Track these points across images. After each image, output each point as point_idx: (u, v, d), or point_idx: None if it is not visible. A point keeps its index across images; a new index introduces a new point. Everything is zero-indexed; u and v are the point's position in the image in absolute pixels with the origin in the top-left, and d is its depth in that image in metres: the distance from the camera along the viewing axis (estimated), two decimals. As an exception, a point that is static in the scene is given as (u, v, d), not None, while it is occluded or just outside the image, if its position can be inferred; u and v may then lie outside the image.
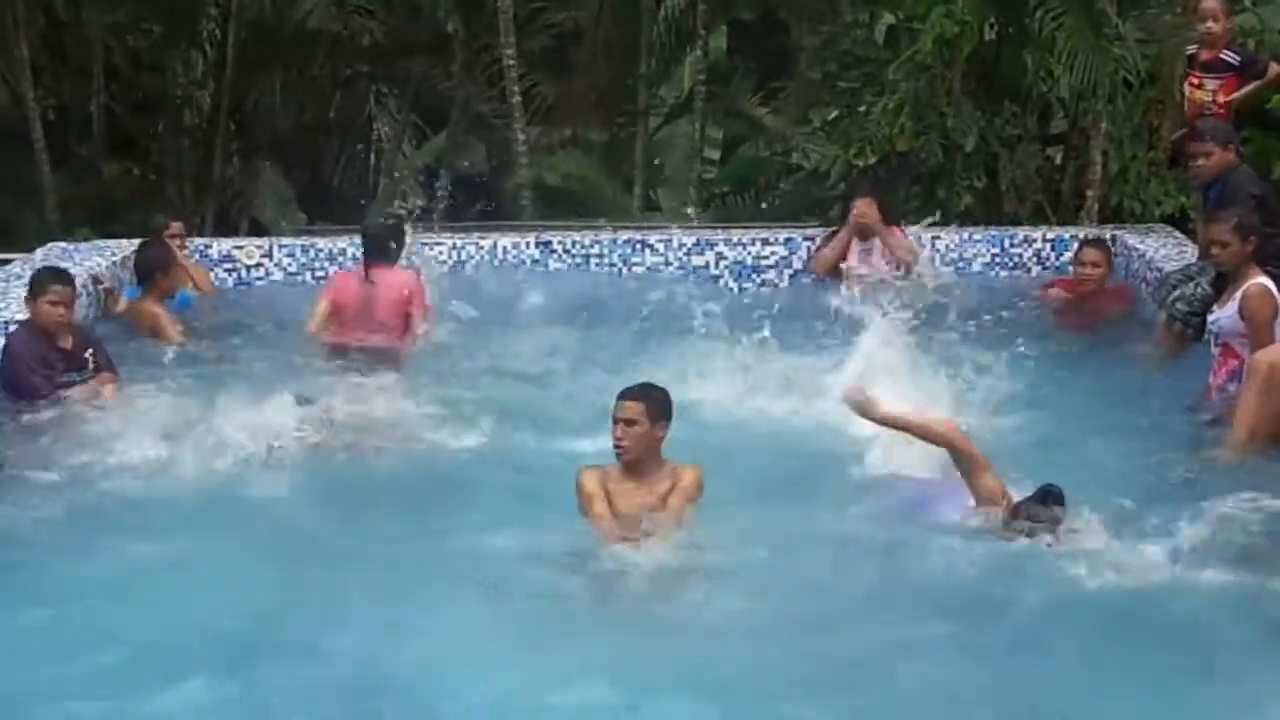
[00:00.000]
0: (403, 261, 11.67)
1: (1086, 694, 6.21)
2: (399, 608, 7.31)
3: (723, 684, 6.45)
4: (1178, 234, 13.41)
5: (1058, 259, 13.42)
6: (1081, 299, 12.31)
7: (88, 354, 10.26)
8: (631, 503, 7.88)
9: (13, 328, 10.47)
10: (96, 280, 12.19)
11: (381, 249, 11.57)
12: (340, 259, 13.50)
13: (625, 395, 7.87)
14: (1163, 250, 12.83)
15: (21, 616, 7.04)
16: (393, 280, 11.50)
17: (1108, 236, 13.11)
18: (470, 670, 6.72)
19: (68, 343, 10.19)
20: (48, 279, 10.43)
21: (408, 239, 11.87)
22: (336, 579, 7.71)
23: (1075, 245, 12.89)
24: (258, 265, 13.49)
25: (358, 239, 13.39)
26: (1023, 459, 8.56)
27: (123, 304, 12.14)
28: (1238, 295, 9.39)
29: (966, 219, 14.80)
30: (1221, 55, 12.27)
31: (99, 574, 7.61)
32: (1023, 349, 10.28)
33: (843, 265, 13.19)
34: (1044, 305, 12.59)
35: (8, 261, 12.62)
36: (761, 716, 6.26)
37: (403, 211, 13.51)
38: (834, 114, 16.05)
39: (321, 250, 13.65)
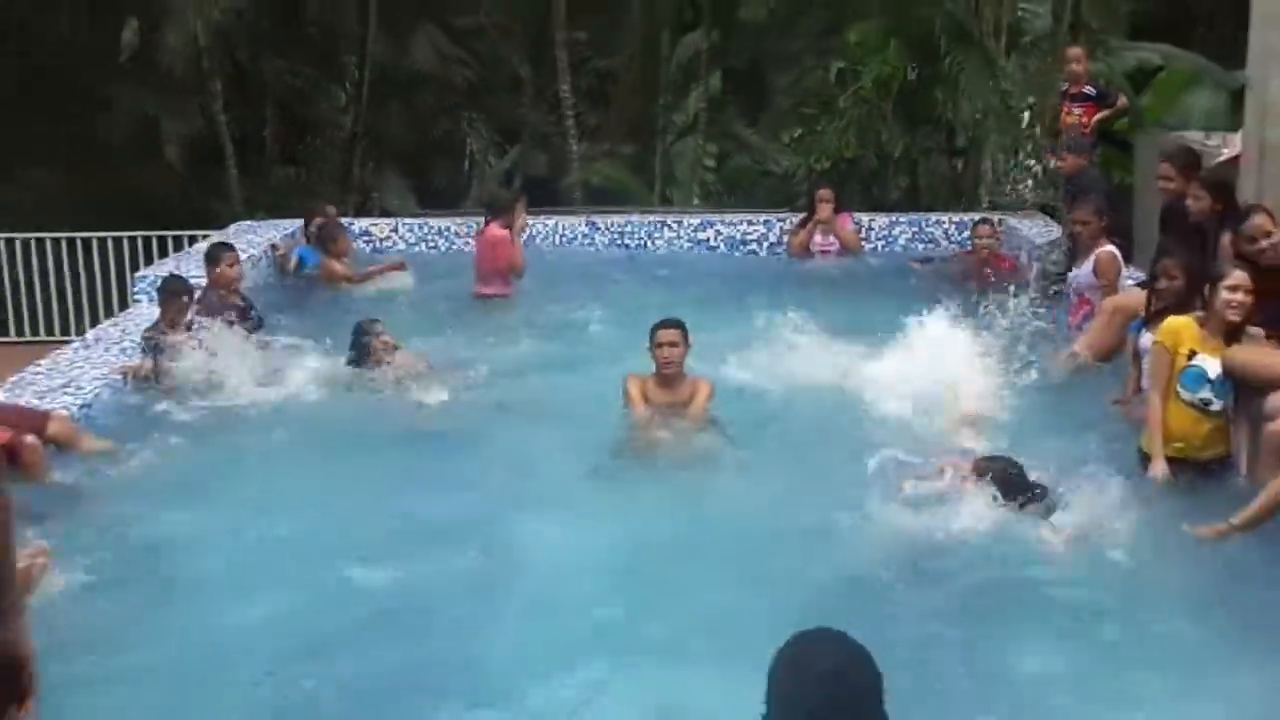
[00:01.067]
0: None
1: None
2: (493, 478, 7.37)
3: (722, 530, 6.56)
4: (1046, 217, 13.37)
5: (960, 236, 13.28)
6: (978, 263, 12.21)
7: (251, 312, 9.99)
8: (663, 403, 7.92)
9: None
10: (274, 248, 12.26)
11: (489, 208, 11.79)
12: (445, 233, 13.51)
13: (668, 326, 7.86)
14: (1035, 229, 12.81)
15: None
16: (488, 235, 11.39)
17: (995, 219, 13.12)
18: (539, 518, 6.77)
19: (237, 299, 9.96)
20: (223, 248, 10.27)
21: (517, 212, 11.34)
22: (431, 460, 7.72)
23: (971, 225, 12.78)
24: (387, 237, 13.48)
25: (457, 219, 13.61)
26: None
27: (293, 262, 12.06)
28: (1092, 258, 9.38)
29: (894, 208, 14.79)
30: (1083, 89, 12.30)
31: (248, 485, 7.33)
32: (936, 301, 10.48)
33: (810, 245, 13.18)
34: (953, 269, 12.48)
35: (207, 236, 12.70)
36: (748, 553, 6.23)
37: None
38: (799, 133, 15.98)
39: (432, 227, 13.62)
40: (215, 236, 12.57)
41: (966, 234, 12.94)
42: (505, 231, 11.25)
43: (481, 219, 11.93)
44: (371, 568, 6.15)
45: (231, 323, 9.44)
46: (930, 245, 13.46)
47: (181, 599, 5.91)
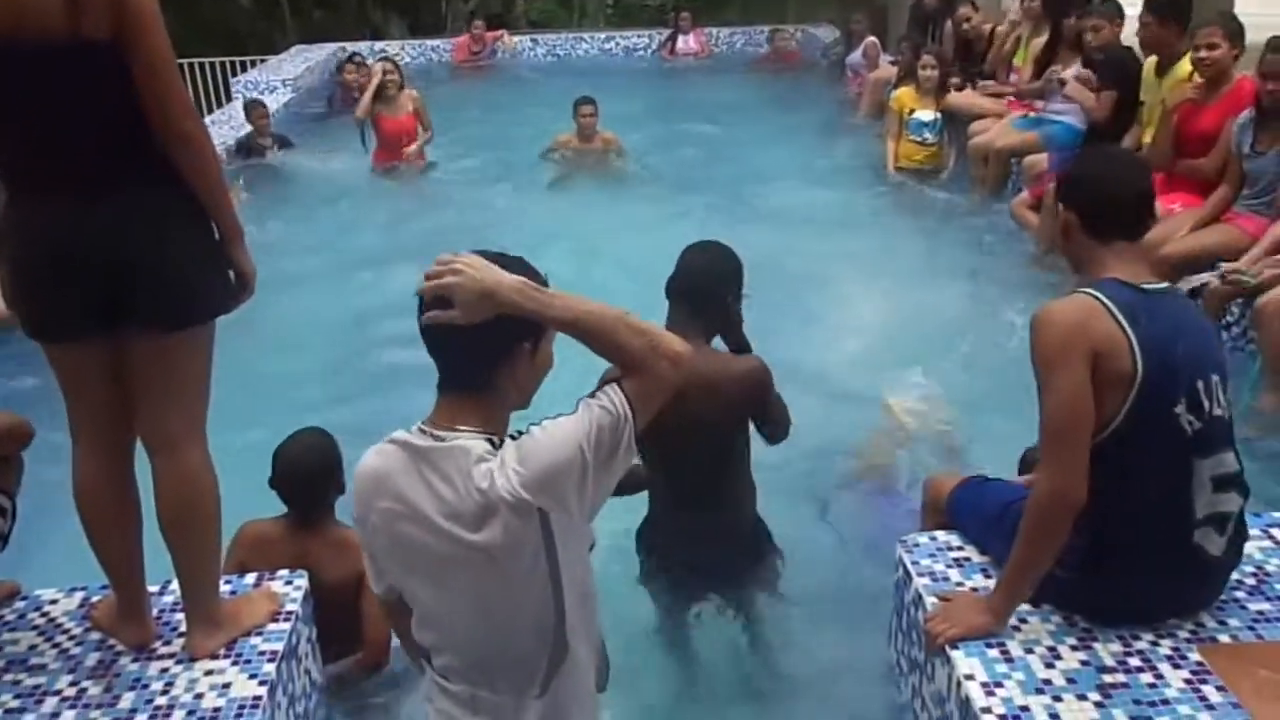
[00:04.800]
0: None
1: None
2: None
3: (614, 215, 6.60)
4: (830, 25, 12.77)
5: (766, 42, 12.73)
6: (778, 58, 12.10)
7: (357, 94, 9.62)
8: (583, 150, 7.90)
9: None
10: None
11: (489, 21, 12.75)
12: (437, 49, 13.11)
13: (586, 101, 7.77)
14: (824, 32, 12.57)
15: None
16: (489, 34, 12.83)
17: (793, 29, 12.82)
18: (517, 205, 6.93)
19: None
20: (345, 59, 9.90)
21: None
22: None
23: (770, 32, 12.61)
24: (398, 53, 12.27)
25: (440, 40, 13.13)
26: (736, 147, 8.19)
27: None
28: (862, 46, 9.60)
29: (730, 24, 14.31)
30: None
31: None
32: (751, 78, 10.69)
33: (675, 50, 12.92)
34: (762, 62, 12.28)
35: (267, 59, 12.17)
36: (635, 229, 6.03)
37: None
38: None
39: (426, 45, 13.29)
40: (274, 60, 12.09)
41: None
42: (500, 32, 12.80)
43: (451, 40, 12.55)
44: (401, 262, 5.87)
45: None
46: (756, 48, 13.12)
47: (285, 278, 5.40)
